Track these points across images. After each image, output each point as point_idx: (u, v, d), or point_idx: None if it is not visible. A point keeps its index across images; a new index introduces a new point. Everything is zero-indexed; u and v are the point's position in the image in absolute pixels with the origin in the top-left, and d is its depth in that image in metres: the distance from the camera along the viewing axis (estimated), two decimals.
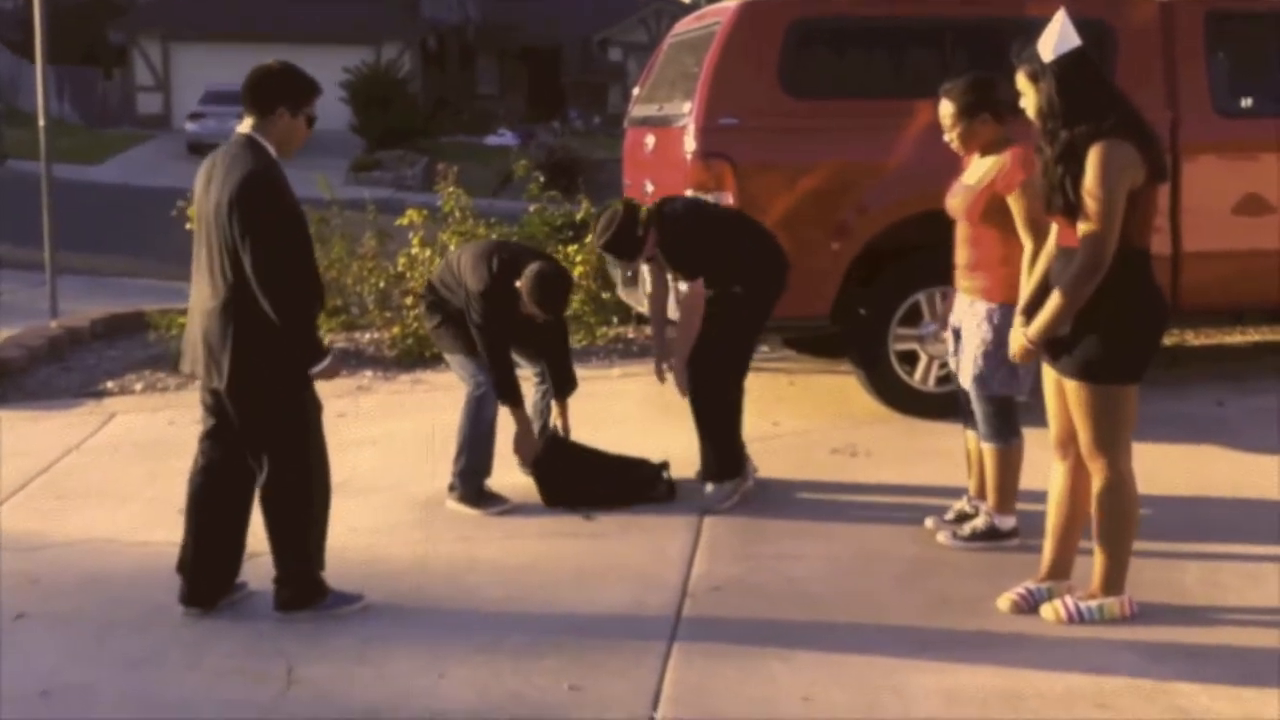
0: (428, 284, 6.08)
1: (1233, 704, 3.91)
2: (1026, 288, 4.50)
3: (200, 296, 4.57)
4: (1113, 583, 4.42)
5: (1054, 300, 4.20)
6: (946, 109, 4.99)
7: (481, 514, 5.72)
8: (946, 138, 5.04)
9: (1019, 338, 4.37)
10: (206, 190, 4.51)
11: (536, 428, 6.07)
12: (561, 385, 6.09)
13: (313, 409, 4.65)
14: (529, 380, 6.05)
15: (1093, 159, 4.09)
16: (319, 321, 4.73)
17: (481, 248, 5.92)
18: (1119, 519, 4.35)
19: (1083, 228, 4.11)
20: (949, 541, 5.18)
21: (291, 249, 4.45)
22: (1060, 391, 4.39)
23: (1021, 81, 4.33)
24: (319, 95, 4.64)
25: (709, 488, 5.77)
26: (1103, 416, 4.26)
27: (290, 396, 4.54)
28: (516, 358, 5.97)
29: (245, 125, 4.55)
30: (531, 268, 5.61)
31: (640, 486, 5.85)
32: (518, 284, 5.61)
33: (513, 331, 5.77)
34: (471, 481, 5.78)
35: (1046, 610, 4.47)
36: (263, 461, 4.59)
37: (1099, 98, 4.17)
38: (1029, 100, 4.31)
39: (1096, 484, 4.35)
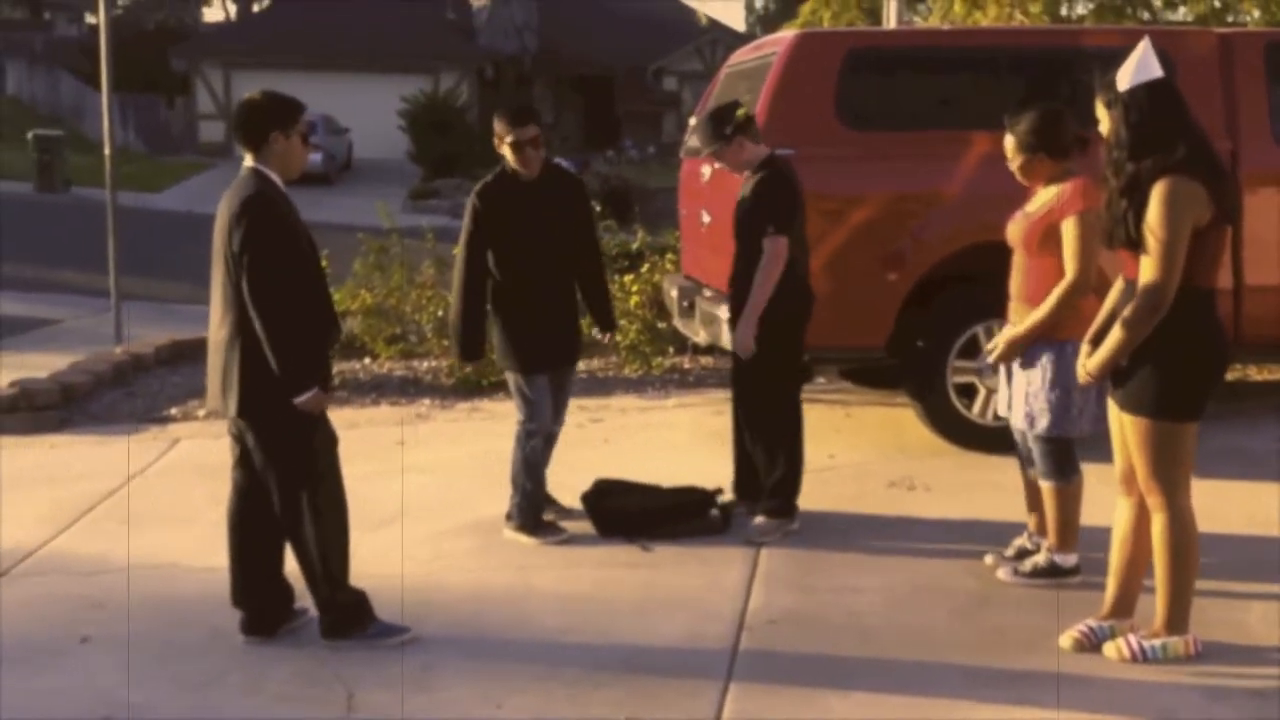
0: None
1: None
2: (1097, 317, 4.43)
3: (212, 329, 4.65)
4: (1176, 621, 4.37)
5: (1113, 335, 4.18)
6: (1008, 141, 4.97)
7: (539, 543, 5.74)
8: (1011, 168, 5.02)
9: (1081, 368, 4.35)
10: (219, 224, 4.59)
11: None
12: (601, 316, 6.08)
13: (324, 438, 4.68)
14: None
15: (1156, 195, 4.06)
16: (327, 353, 4.76)
17: None
18: (1178, 556, 4.30)
19: (1144, 265, 4.08)
20: (1009, 578, 5.14)
21: (287, 271, 4.50)
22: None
23: (1099, 108, 4.31)
24: (304, 111, 4.73)
25: (759, 519, 5.76)
26: (1160, 453, 4.23)
27: (297, 424, 4.56)
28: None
29: (248, 160, 4.63)
30: None
31: (692, 513, 5.85)
32: (496, 141, 5.66)
33: (525, 243, 5.64)
34: (528, 512, 5.81)
35: (1109, 649, 4.42)
36: (275, 490, 4.65)
37: (1169, 131, 4.11)
38: (1105, 127, 4.29)
39: (1155, 521, 4.31)
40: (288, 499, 4.64)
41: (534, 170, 5.70)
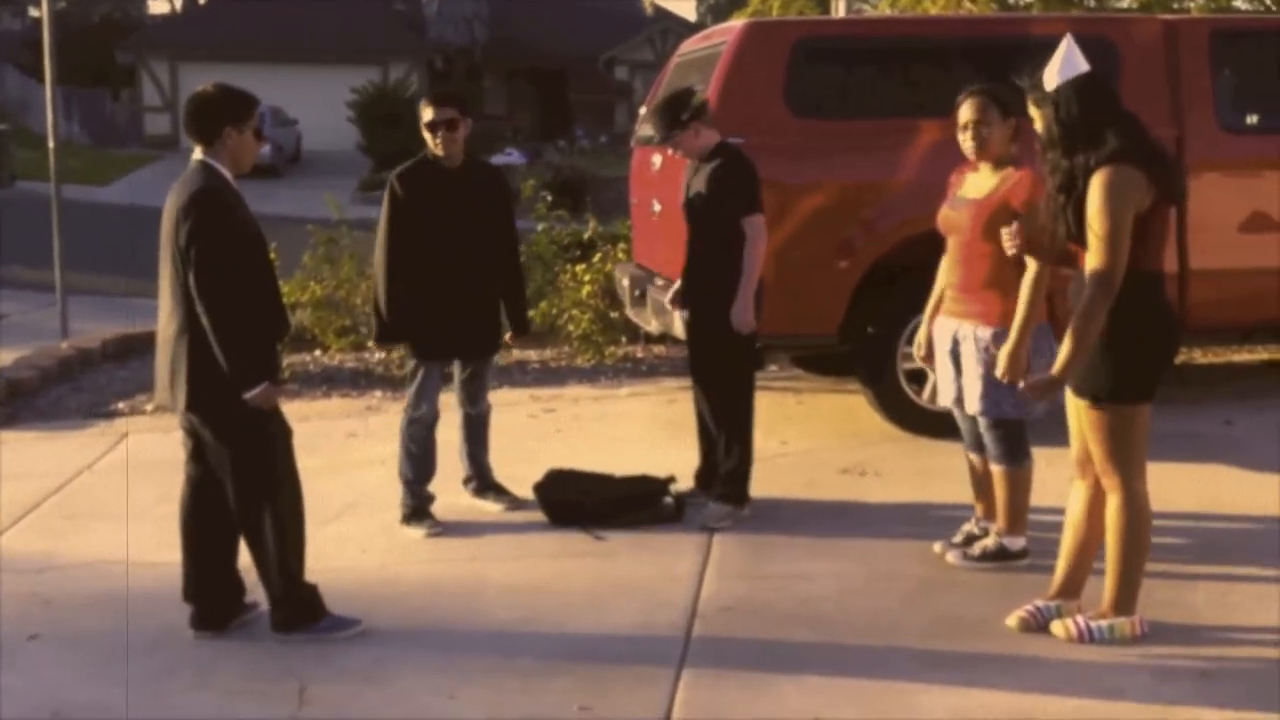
0: None
1: None
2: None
3: (161, 323, 4.62)
4: (1124, 602, 4.42)
5: (1071, 331, 4.17)
6: (979, 106, 4.88)
7: (423, 534, 5.75)
8: (967, 136, 4.96)
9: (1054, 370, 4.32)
10: (166, 218, 4.55)
11: (464, 471, 6.09)
12: (514, 317, 6.03)
13: (278, 430, 4.66)
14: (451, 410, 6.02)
15: (1095, 186, 4.10)
16: (275, 347, 4.74)
17: None
18: (1132, 539, 4.35)
19: (1088, 257, 4.12)
20: (959, 561, 5.18)
21: (236, 266, 4.45)
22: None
23: (1030, 108, 4.35)
24: (258, 105, 4.70)
25: (711, 505, 5.78)
26: (1114, 435, 4.27)
27: (250, 418, 4.53)
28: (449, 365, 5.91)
29: (198, 153, 4.59)
30: None
31: (645, 503, 5.85)
32: (425, 132, 5.67)
33: (437, 231, 5.67)
34: (408, 502, 5.83)
35: (1057, 627, 4.47)
36: (231, 484, 4.62)
37: (1101, 124, 4.15)
38: (1039, 126, 4.33)
39: (1110, 503, 4.35)
40: (245, 493, 4.60)
41: (453, 156, 5.72)
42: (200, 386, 4.50)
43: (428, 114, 5.68)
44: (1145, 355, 4.25)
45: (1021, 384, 4.40)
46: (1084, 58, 4.22)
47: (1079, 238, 4.17)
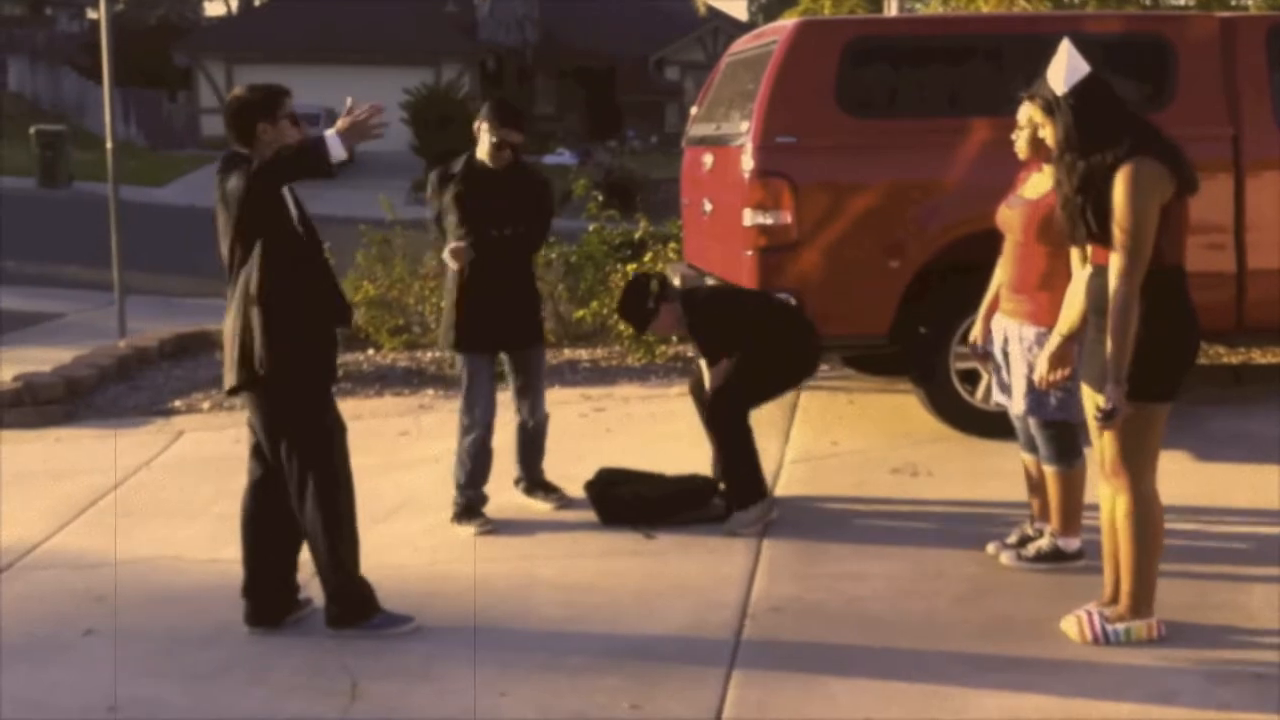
0: None
1: None
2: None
3: (229, 308, 4.71)
4: (1140, 604, 4.37)
5: (1111, 341, 4.11)
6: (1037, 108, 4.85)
7: (473, 531, 5.79)
8: (1019, 138, 4.91)
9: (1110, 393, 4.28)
10: (220, 207, 4.63)
11: (515, 472, 6.12)
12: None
13: (333, 423, 4.71)
14: (506, 408, 6.04)
15: (1120, 181, 4.08)
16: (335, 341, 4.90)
17: None
18: (1143, 539, 4.29)
19: (1115, 255, 4.09)
20: (1013, 562, 5.14)
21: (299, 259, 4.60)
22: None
23: (1038, 115, 4.36)
24: (288, 96, 4.75)
25: (735, 513, 5.77)
26: (1130, 435, 4.21)
27: (307, 402, 4.61)
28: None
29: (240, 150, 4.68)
30: None
31: (695, 502, 5.85)
32: (476, 127, 5.86)
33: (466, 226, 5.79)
34: (459, 503, 5.86)
35: (1069, 624, 4.42)
36: (287, 473, 4.67)
37: (1115, 122, 4.16)
38: (1047, 133, 4.32)
39: (1119, 503, 4.31)
40: (303, 484, 4.64)
41: (502, 166, 5.86)
42: (262, 367, 4.55)
43: (494, 135, 5.78)
44: (1167, 352, 4.19)
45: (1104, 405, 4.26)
46: (1083, 59, 4.22)
47: (1101, 236, 4.14)
